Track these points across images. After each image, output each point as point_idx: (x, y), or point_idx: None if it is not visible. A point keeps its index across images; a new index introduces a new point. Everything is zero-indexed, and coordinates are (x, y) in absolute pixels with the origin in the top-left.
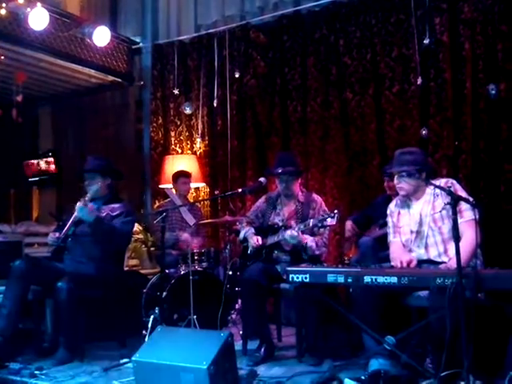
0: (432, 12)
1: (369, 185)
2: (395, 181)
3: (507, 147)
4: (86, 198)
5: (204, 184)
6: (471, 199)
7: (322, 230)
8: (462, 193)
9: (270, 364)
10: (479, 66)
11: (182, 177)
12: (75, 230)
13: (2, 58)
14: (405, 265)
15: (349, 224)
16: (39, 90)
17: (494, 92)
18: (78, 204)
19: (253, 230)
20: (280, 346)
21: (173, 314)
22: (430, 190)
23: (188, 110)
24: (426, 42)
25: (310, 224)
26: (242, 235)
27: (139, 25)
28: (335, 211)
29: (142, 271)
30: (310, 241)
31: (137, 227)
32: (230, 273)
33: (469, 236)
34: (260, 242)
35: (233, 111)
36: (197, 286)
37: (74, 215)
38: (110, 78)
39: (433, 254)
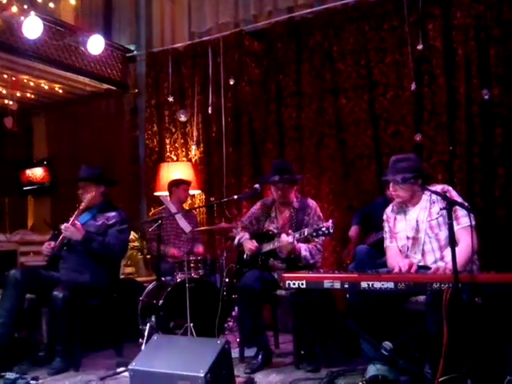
0: (425, 18)
1: (365, 190)
2: (391, 188)
3: (502, 151)
4: (74, 217)
5: (199, 191)
6: (466, 204)
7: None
8: (458, 199)
9: (268, 371)
10: (472, 71)
11: (183, 183)
12: (70, 240)
13: None
14: (405, 269)
15: (353, 230)
16: (33, 99)
17: (487, 97)
18: (63, 226)
19: (247, 235)
20: (277, 352)
21: (169, 321)
22: (426, 196)
23: (183, 118)
24: (420, 47)
25: (305, 233)
26: (236, 240)
27: (133, 33)
28: (330, 222)
29: (138, 279)
30: (303, 250)
31: (133, 235)
32: (227, 280)
33: (465, 243)
34: (256, 244)
35: (228, 118)
36: (193, 293)
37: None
38: (105, 86)
39: (429, 261)
